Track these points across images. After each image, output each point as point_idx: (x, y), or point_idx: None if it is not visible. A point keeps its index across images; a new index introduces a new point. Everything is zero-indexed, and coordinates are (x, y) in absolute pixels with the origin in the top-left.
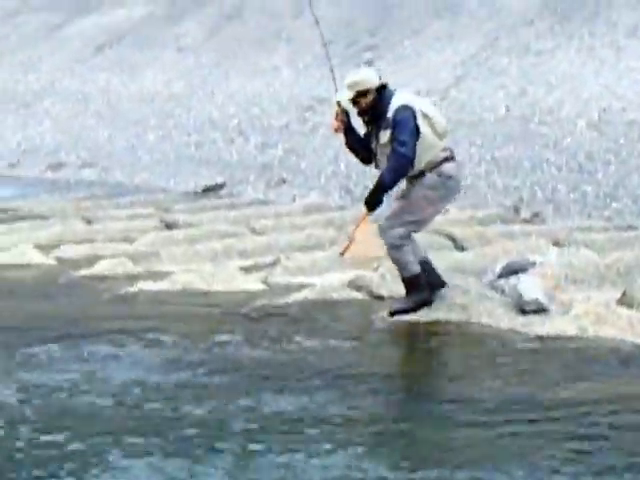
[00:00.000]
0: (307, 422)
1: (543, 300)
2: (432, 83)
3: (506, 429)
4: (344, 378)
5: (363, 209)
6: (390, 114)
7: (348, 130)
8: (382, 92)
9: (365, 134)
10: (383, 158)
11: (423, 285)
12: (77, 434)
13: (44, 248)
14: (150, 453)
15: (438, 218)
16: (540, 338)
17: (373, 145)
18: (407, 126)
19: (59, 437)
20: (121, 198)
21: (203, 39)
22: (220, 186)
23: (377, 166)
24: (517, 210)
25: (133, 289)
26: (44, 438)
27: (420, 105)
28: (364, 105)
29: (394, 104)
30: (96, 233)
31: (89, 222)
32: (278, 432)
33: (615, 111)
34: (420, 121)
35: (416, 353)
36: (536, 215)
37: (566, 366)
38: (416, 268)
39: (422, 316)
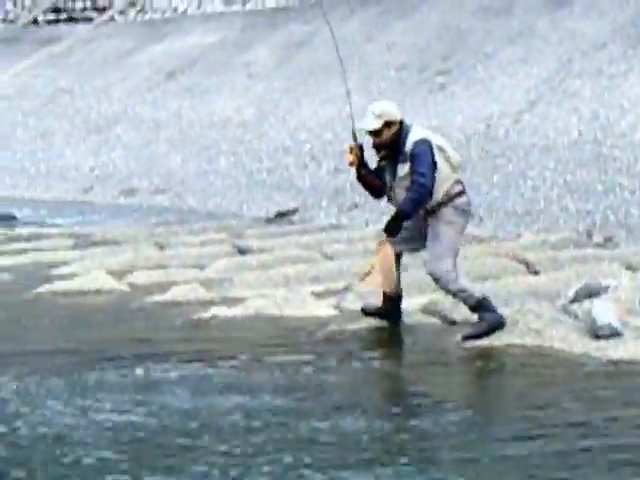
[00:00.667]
0: (383, 445)
1: (616, 325)
2: (505, 107)
3: (586, 456)
4: (417, 404)
5: (383, 236)
6: (408, 148)
7: (361, 164)
8: (401, 126)
9: (376, 168)
10: (400, 190)
11: (493, 306)
12: (146, 454)
13: (117, 274)
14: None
15: (512, 243)
16: (614, 363)
17: (388, 179)
18: (426, 159)
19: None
20: (193, 224)
21: (274, 65)
22: (293, 211)
23: (390, 199)
24: (590, 234)
25: (206, 315)
26: (107, 456)
27: (435, 140)
28: (386, 137)
29: (411, 138)
30: (169, 259)
31: (162, 248)
32: (361, 459)
33: None
34: (436, 155)
35: (490, 378)
36: (609, 239)
37: None
38: (479, 292)
39: (495, 340)
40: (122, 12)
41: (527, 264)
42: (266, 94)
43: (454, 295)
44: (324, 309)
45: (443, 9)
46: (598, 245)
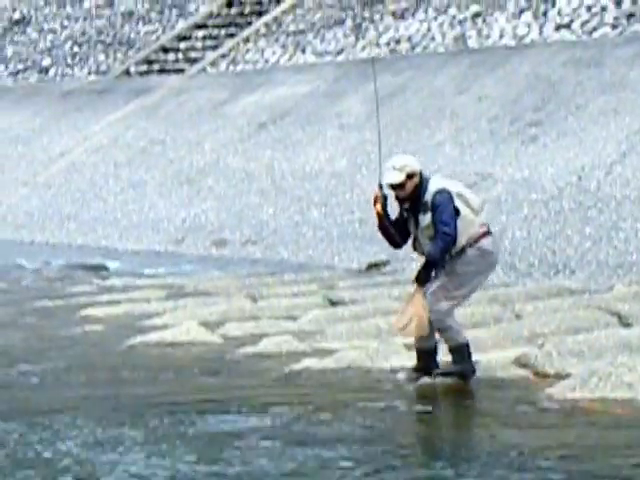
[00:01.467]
0: None
1: None
2: (596, 159)
3: None
4: (511, 458)
5: (415, 286)
6: (428, 198)
7: (385, 214)
8: (421, 177)
9: (397, 219)
10: (425, 240)
11: (470, 355)
12: None
13: (209, 325)
14: None
15: (605, 295)
16: None
17: (412, 230)
18: (447, 207)
19: None
20: (285, 275)
21: (366, 117)
22: (384, 263)
23: (416, 249)
24: None
25: (298, 367)
26: None
27: (454, 187)
28: (408, 189)
29: (431, 189)
30: (261, 310)
31: (254, 299)
32: None
33: None
34: (457, 202)
35: (586, 432)
36: None
37: None
38: (463, 337)
39: (587, 394)
40: (213, 63)
41: (619, 316)
42: (358, 145)
43: (441, 331)
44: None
45: (534, 60)
46: None
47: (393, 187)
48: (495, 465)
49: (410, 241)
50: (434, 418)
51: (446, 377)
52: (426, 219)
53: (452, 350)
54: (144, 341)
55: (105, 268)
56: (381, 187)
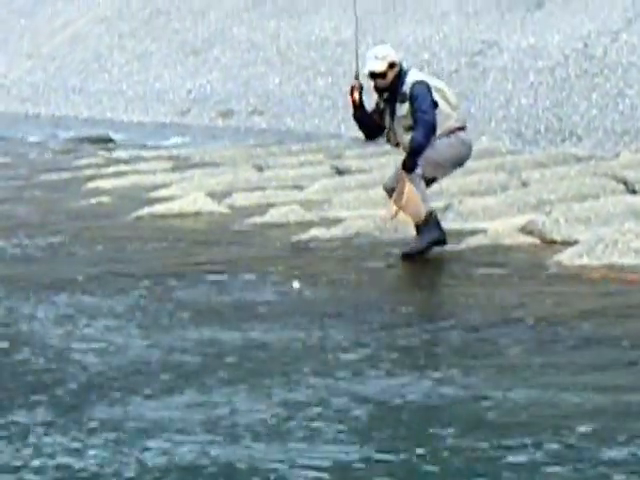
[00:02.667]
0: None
1: None
2: (602, 25)
3: None
4: (516, 322)
5: (403, 173)
6: (406, 88)
7: (361, 104)
8: (400, 68)
9: (374, 110)
10: (400, 130)
11: (436, 224)
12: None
13: (216, 196)
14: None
15: (611, 162)
16: None
17: (387, 120)
18: (426, 97)
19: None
20: (292, 145)
21: None
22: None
23: (389, 140)
24: None
25: (305, 236)
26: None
27: (433, 82)
28: (389, 78)
29: (409, 80)
30: (267, 180)
31: (260, 169)
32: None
33: None
34: (435, 95)
35: (591, 297)
36: None
37: None
38: (430, 206)
39: (594, 260)
40: None
41: (626, 183)
42: (364, 14)
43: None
44: None
45: None
46: None
47: (374, 76)
48: (500, 327)
49: (385, 132)
50: (437, 283)
51: (416, 255)
52: (403, 109)
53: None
54: (151, 212)
55: (111, 140)
56: (357, 77)
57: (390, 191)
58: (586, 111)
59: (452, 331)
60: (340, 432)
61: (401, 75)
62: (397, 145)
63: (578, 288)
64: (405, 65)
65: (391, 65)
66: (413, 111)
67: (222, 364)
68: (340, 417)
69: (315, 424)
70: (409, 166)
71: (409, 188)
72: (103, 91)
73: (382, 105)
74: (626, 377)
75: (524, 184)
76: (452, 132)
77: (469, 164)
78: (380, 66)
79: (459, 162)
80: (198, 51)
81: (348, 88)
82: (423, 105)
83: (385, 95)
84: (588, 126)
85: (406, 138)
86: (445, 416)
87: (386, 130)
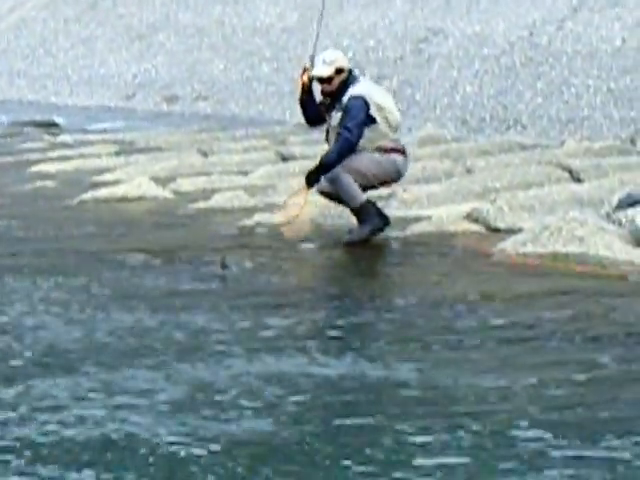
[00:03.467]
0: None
1: None
2: (547, 14)
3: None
4: (457, 306)
5: (302, 185)
6: (345, 99)
7: (309, 88)
8: (348, 76)
9: (321, 102)
10: (332, 137)
11: (374, 212)
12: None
13: (161, 181)
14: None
15: (556, 150)
16: None
17: (327, 124)
18: (357, 115)
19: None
20: (236, 131)
21: None
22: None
23: (327, 141)
24: (633, 142)
25: (250, 222)
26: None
27: (377, 97)
28: (335, 84)
29: (351, 91)
30: (212, 166)
31: (205, 155)
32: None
33: None
34: (374, 112)
35: (536, 285)
36: None
37: None
38: (363, 196)
39: (539, 248)
40: None
41: (571, 171)
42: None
43: (342, 191)
44: None
45: None
46: None
47: (320, 80)
48: (440, 311)
49: (324, 130)
50: (382, 269)
51: (359, 242)
52: (337, 118)
53: (356, 211)
54: (95, 196)
55: (56, 124)
56: (312, 60)
57: (327, 195)
58: (531, 99)
59: (382, 314)
60: (246, 408)
61: (347, 83)
62: None
63: (515, 275)
64: (357, 72)
65: (338, 71)
66: (341, 125)
67: (142, 346)
68: (249, 395)
69: (220, 398)
70: (312, 180)
71: (304, 202)
72: (48, 75)
73: (322, 108)
74: (526, 357)
75: (469, 172)
76: (385, 151)
77: (414, 151)
78: (327, 71)
79: (384, 180)
80: (143, 36)
81: (300, 69)
82: (350, 122)
83: (328, 100)
84: (533, 114)
85: None
86: (359, 395)
87: (325, 130)
